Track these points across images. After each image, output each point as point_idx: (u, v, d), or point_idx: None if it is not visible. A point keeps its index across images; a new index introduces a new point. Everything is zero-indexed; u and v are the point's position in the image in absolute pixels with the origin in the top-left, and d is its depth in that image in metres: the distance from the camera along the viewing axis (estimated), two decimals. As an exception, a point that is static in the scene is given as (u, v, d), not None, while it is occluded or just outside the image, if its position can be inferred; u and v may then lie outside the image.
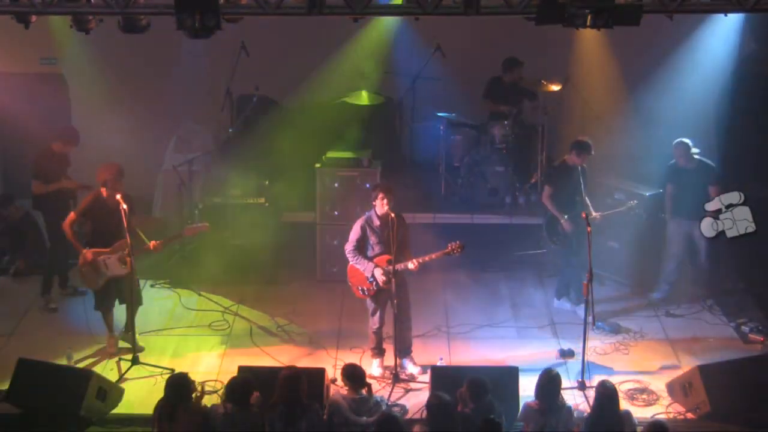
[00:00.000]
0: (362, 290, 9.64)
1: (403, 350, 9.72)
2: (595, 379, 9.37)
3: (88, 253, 9.70)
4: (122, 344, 10.10)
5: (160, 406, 7.99)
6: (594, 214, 10.52)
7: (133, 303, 9.85)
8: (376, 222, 9.47)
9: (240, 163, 12.00)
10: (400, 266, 9.39)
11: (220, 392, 9.02)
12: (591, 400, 8.98)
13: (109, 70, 12.82)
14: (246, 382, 8.10)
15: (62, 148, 10.87)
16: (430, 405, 7.79)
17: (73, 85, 13.26)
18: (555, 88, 12.18)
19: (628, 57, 12.56)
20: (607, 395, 7.94)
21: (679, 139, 10.76)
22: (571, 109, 12.45)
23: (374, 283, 9.49)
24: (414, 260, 9.39)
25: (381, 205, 9.37)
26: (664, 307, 10.98)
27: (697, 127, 13.01)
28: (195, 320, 10.82)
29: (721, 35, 12.34)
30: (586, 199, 10.72)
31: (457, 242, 9.40)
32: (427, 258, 9.42)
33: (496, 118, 12.53)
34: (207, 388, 9.29)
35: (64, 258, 10.87)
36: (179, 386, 7.97)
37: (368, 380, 8.53)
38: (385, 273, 9.40)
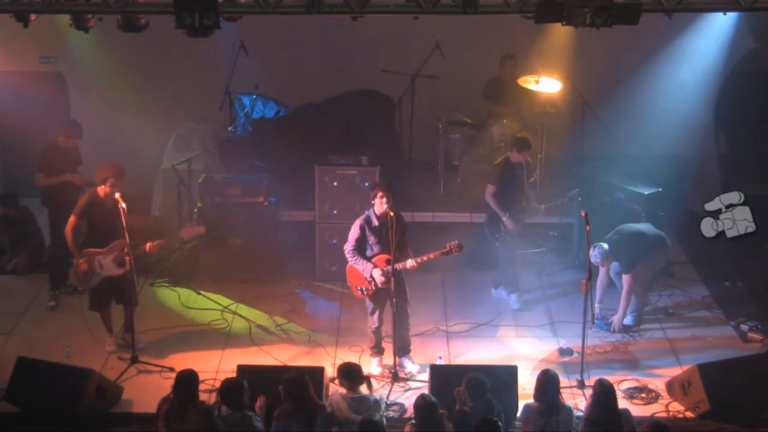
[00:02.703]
0: (361, 290, 9.64)
1: (402, 349, 9.72)
2: (595, 378, 9.39)
3: (83, 264, 9.68)
4: (121, 343, 10.11)
5: (168, 403, 7.95)
6: (539, 207, 10.76)
7: (133, 302, 9.84)
8: (375, 221, 9.47)
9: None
10: (398, 266, 9.40)
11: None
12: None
13: (109, 69, 12.83)
14: (238, 384, 8.05)
15: (66, 141, 10.92)
16: (416, 406, 7.80)
17: (72, 83, 13.26)
18: (548, 88, 12.16)
19: (627, 56, 12.57)
20: (605, 393, 7.94)
21: (597, 251, 10.28)
22: (570, 108, 12.44)
23: (373, 282, 9.49)
24: (412, 260, 9.39)
25: (380, 204, 9.37)
26: (663, 307, 10.98)
27: (697, 126, 13.06)
28: (194, 319, 10.82)
29: (719, 33, 12.35)
30: (532, 193, 10.89)
31: (456, 242, 9.40)
32: (425, 258, 9.42)
33: (495, 116, 12.54)
34: (206, 387, 9.33)
35: (64, 255, 10.87)
36: (190, 384, 7.96)
37: (366, 374, 8.49)
38: (384, 273, 9.40)
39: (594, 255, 10.12)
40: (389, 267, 9.36)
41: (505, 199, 10.71)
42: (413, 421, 7.90)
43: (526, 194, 10.83)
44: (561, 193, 11.04)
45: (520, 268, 11.23)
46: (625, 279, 10.31)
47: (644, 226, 10.62)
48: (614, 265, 10.50)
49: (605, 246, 10.25)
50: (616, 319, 10.43)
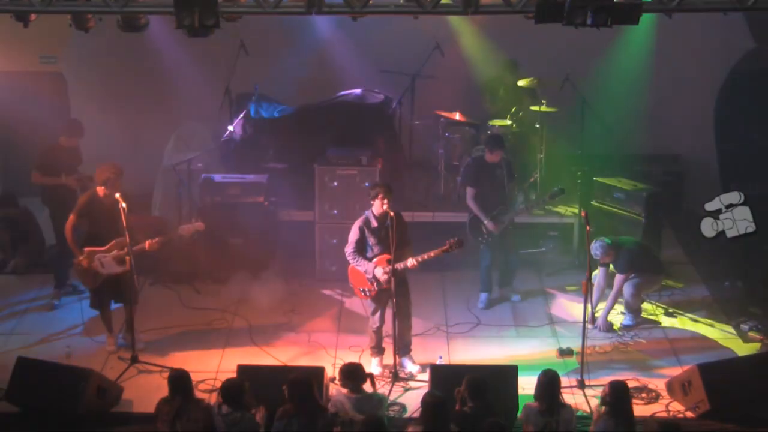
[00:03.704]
0: (364, 291, 9.63)
1: (403, 349, 9.71)
2: (595, 379, 9.40)
3: (83, 261, 9.70)
4: (121, 342, 10.11)
5: (169, 405, 7.93)
6: (521, 207, 10.79)
7: (133, 302, 9.84)
8: (374, 222, 9.48)
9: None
10: (399, 265, 9.39)
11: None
12: (590, 400, 9.03)
13: (109, 68, 12.82)
14: (239, 384, 8.06)
15: (68, 141, 10.92)
16: (425, 403, 7.79)
17: (72, 83, 13.26)
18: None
19: (627, 55, 12.57)
20: (623, 390, 7.94)
21: (599, 243, 10.32)
22: (570, 108, 12.43)
23: (375, 283, 9.49)
24: (413, 258, 9.39)
25: (379, 205, 9.38)
26: (663, 307, 10.98)
27: (696, 126, 13.06)
28: (194, 319, 10.82)
29: (718, 33, 12.35)
30: (519, 194, 10.90)
31: (455, 238, 9.39)
32: (425, 256, 9.42)
33: (495, 116, 12.56)
34: (206, 387, 9.33)
35: (66, 255, 10.84)
36: (184, 382, 7.96)
37: (368, 373, 8.50)
38: (386, 273, 9.40)
39: (594, 247, 10.13)
40: (390, 267, 9.35)
41: (485, 200, 10.72)
42: (413, 422, 7.90)
43: (509, 195, 10.79)
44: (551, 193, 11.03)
45: (513, 269, 11.21)
46: (617, 279, 10.31)
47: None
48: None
49: (607, 240, 10.27)
50: (600, 318, 10.42)
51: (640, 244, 10.60)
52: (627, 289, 10.42)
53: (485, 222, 10.70)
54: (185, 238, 10.20)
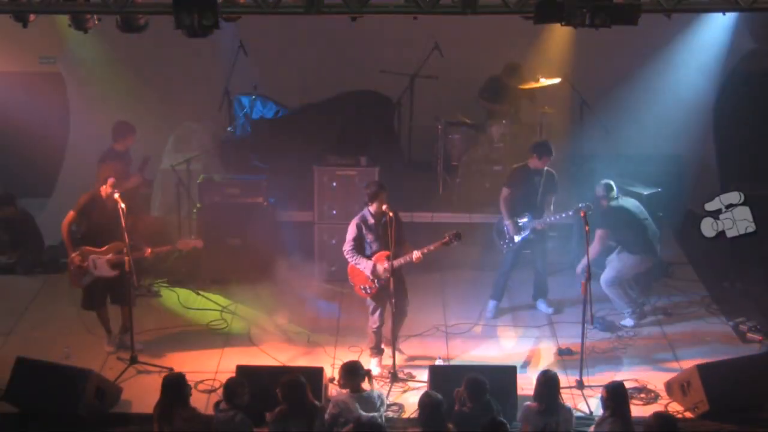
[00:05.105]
0: (364, 289, 9.65)
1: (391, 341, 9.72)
2: (594, 379, 9.40)
3: (77, 258, 9.68)
4: (120, 344, 10.11)
5: (158, 406, 7.98)
6: (534, 222, 10.60)
7: (131, 303, 9.83)
8: (371, 220, 9.50)
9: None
10: (400, 261, 9.40)
11: (218, 392, 9.03)
12: (589, 400, 9.03)
13: (107, 69, 12.82)
14: (237, 384, 8.08)
15: (121, 145, 10.86)
16: (422, 403, 7.80)
17: (70, 84, 13.25)
18: (549, 82, 12.18)
19: (626, 56, 12.57)
20: (620, 390, 7.97)
21: (603, 181, 10.42)
22: (569, 108, 12.44)
23: (376, 281, 9.50)
24: (418, 251, 9.38)
25: (377, 206, 9.40)
26: (662, 307, 10.98)
27: (696, 126, 13.05)
28: (193, 319, 10.82)
29: (718, 34, 12.35)
30: (549, 203, 10.71)
31: (454, 231, 9.40)
32: (425, 250, 9.42)
33: (494, 117, 12.55)
34: (205, 387, 9.33)
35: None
36: (175, 386, 7.97)
37: (366, 370, 8.51)
38: (386, 269, 9.41)
39: (598, 184, 10.24)
40: (389, 263, 9.36)
41: (516, 204, 10.69)
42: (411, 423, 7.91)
43: (539, 205, 10.73)
44: (566, 204, 10.94)
45: (543, 280, 11.11)
46: (597, 234, 10.22)
47: (652, 226, 10.57)
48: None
49: (614, 184, 10.27)
50: (579, 266, 10.24)
51: (640, 221, 10.44)
52: (609, 273, 10.41)
53: (506, 222, 10.67)
54: (182, 252, 10.23)
